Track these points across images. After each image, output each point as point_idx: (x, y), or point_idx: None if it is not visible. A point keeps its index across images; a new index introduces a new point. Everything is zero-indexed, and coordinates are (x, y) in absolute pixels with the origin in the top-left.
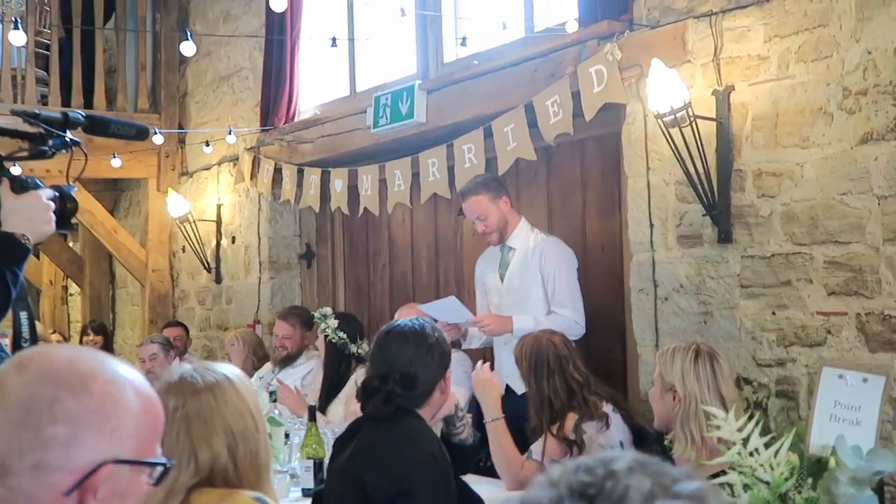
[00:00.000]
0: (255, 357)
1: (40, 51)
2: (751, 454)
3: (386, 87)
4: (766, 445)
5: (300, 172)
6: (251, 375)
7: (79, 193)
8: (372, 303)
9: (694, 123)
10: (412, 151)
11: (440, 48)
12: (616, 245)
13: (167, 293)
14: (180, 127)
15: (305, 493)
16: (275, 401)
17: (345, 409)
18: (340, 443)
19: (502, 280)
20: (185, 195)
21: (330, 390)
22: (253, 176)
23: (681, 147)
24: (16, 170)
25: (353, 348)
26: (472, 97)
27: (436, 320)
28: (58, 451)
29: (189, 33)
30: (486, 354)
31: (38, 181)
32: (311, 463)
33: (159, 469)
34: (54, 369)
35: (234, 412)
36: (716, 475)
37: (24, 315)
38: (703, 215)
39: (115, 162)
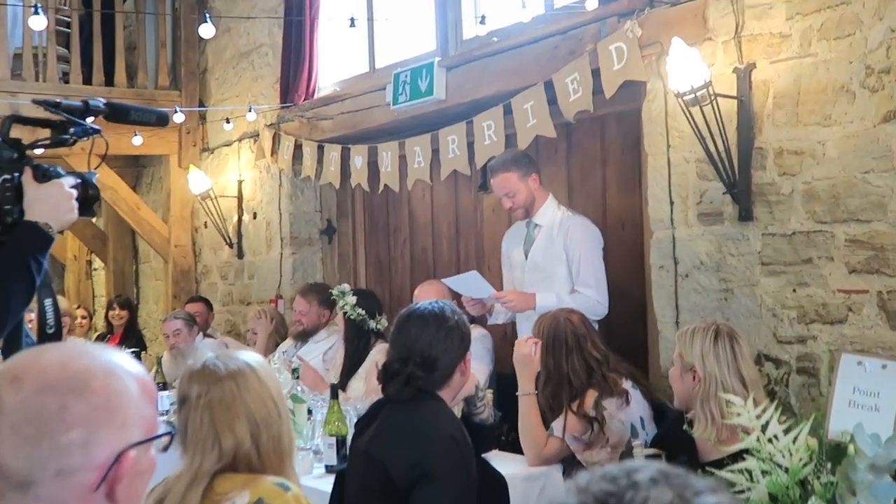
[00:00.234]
0: (278, 334)
1: (61, 28)
2: (769, 440)
3: (405, 63)
4: (786, 431)
5: (320, 149)
6: (274, 350)
7: (101, 170)
8: (393, 278)
9: (715, 102)
10: (432, 128)
11: (459, 25)
12: (637, 222)
13: (190, 268)
14: (201, 103)
15: (329, 469)
16: (297, 377)
17: (365, 384)
18: (361, 424)
19: (526, 256)
20: (206, 171)
21: (350, 366)
22: (273, 152)
23: (701, 125)
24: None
25: (372, 324)
26: (492, 74)
27: (459, 295)
28: (78, 454)
29: (207, 15)
30: (507, 330)
31: (59, 170)
32: (333, 440)
33: (165, 439)
34: (51, 378)
35: (257, 399)
36: (734, 456)
37: (48, 302)
38: (724, 193)
39: (137, 139)
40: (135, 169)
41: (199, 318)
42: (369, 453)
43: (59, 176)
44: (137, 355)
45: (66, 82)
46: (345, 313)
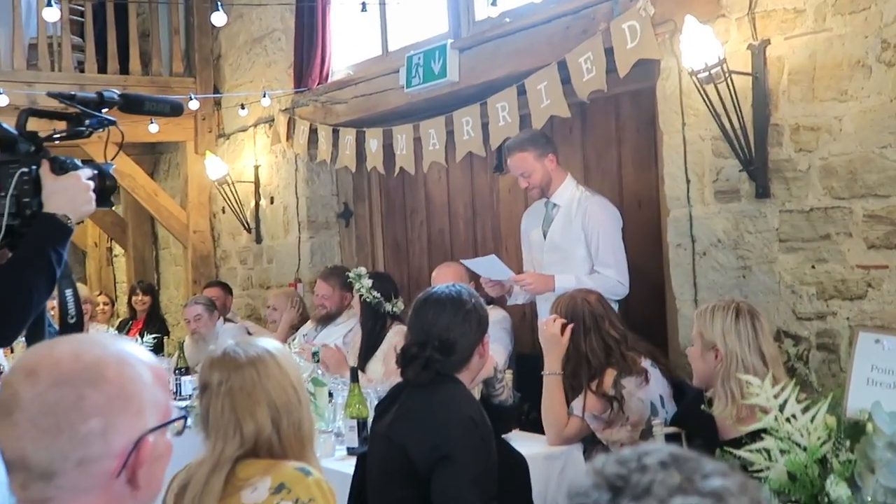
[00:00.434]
0: (300, 317)
1: (75, 18)
2: (787, 420)
3: (418, 46)
4: (804, 410)
5: (335, 133)
6: (294, 334)
7: (119, 158)
8: (410, 260)
9: (729, 79)
10: (446, 110)
11: (471, 7)
12: (653, 200)
13: (209, 253)
14: (215, 89)
15: (350, 451)
16: (318, 361)
17: (384, 366)
18: (381, 407)
19: (545, 236)
20: (222, 157)
21: (367, 349)
22: (289, 137)
23: (716, 103)
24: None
25: (388, 307)
26: (505, 55)
27: (478, 276)
28: (98, 443)
29: (219, 3)
30: (526, 311)
31: (77, 161)
32: (354, 423)
33: (179, 423)
34: (66, 370)
35: (277, 385)
36: (753, 435)
37: (69, 292)
38: (740, 170)
39: (153, 127)
40: (152, 156)
41: (218, 303)
42: (390, 437)
43: (76, 168)
44: (160, 340)
45: (82, 71)
46: (361, 296)
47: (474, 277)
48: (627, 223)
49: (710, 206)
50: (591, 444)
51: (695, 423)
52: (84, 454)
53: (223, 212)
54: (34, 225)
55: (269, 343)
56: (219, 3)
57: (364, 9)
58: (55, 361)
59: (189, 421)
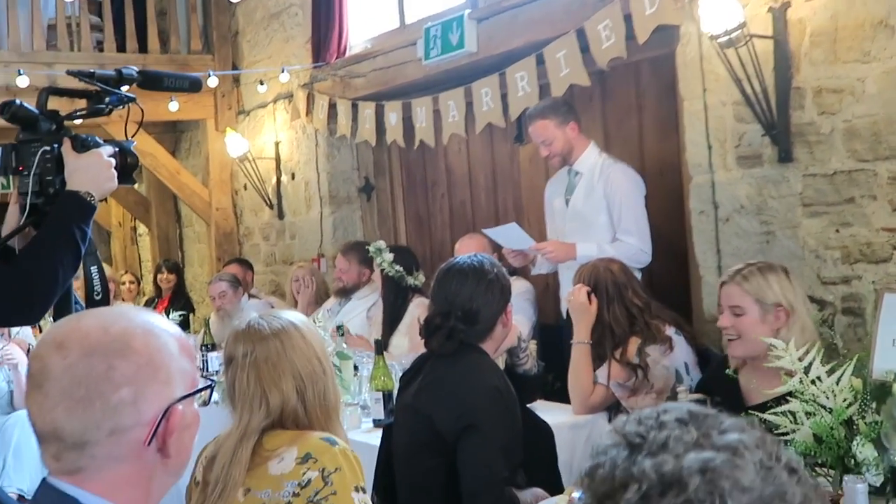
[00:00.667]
0: (319, 295)
1: None
2: (813, 382)
3: (435, 17)
4: (829, 372)
5: (354, 107)
6: (318, 309)
7: (140, 137)
8: (433, 233)
9: (750, 43)
10: (465, 81)
11: None
12: (675, 168)
13: (232, 230)
14: (234, 66)
15: (376, 423)
16: (342, 335)
17: (409, 340)
18: (406, 378)
19: (567, 204)
20: (242, 134)
21: (390, 323)
22: (308, 112)
23: (737, 67)
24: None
25: (410, 280)
26: (523, 24)
27: (500, 248)
28: (129, 412)
29: None
30: (549, 280)
31: (98, 139)
32: (380, 395)
33: (206, 393)
34: (94, 342)
35: (301, 356)
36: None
37: (94, 269)
38: (763, 135)
39: (173, 105)
40: (173, 135)
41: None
42: (415, 407)
43: (97, 145)
44: (186, 318)
45: (101, 51)
46: (382, 270)
47: (497, 249)
48: (649, 191)
49: (733, 172)
50: (616, 412)
51: (720, 389)
52: (116, 423)
53: (245, 189)
54: (57, 203)
55: (292, 315)
56: None
57: None
58: (84, 334)
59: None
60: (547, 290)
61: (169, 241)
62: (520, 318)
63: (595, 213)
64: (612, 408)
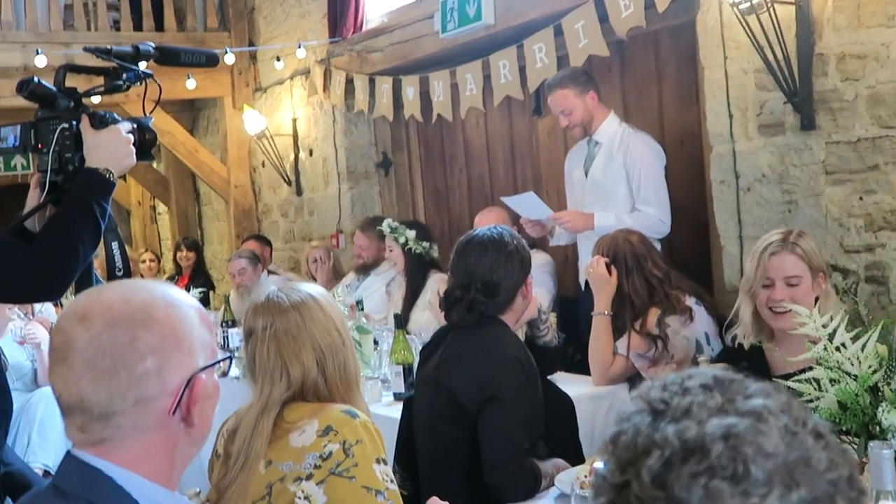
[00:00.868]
0: (335, 273)
1: None
2: (837, 349)
3: None
4: (854, 339)
5: (371, 82)
6: (337, 284)
7: (158, 115)
8: (451, 207)
9: (772, 9)
10: (482, 54)
11: None
12: (695, 137)
13: (251, 208)
14: (250, 43)
15: (397, 397)
16: (362, 309)
17: (435, 315)
18: (427, 351)
19: (587, 175)
20: (260, 111)
21: (412, 298)
22: (325, 88)
23: (758, 34)
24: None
25: (433, 253)
26: None
27: (520, 219)
28: (153, 382)
29: None
30: (568, 253)
31: (116, 116)
32: (400, 368)
33: (225, 363)
34: (117, 313)
35: (321, 328)
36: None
37: (115, 245)
38: (785, 103)
39: (191, 83)
40: (191, 112)
41: None
42: (437, 379)
43: (115, 122)
44: (206, 295)
45: (118, 30)
46: (405, 247)
47: (516, 221)
48: (670, 162)
49: (754, 141)
50: (637, 383)
51: (744, 358)
52: (141, 393)
53: (263, 166)
54: (77, 180)
55: (311, 287)
56: None
57: None
58: (106, 306)
59: (237, 370)
60: (566, 262)
61: (188, 219)
62: (539, 290)
63: (614, 184)
64: (634, 379)
